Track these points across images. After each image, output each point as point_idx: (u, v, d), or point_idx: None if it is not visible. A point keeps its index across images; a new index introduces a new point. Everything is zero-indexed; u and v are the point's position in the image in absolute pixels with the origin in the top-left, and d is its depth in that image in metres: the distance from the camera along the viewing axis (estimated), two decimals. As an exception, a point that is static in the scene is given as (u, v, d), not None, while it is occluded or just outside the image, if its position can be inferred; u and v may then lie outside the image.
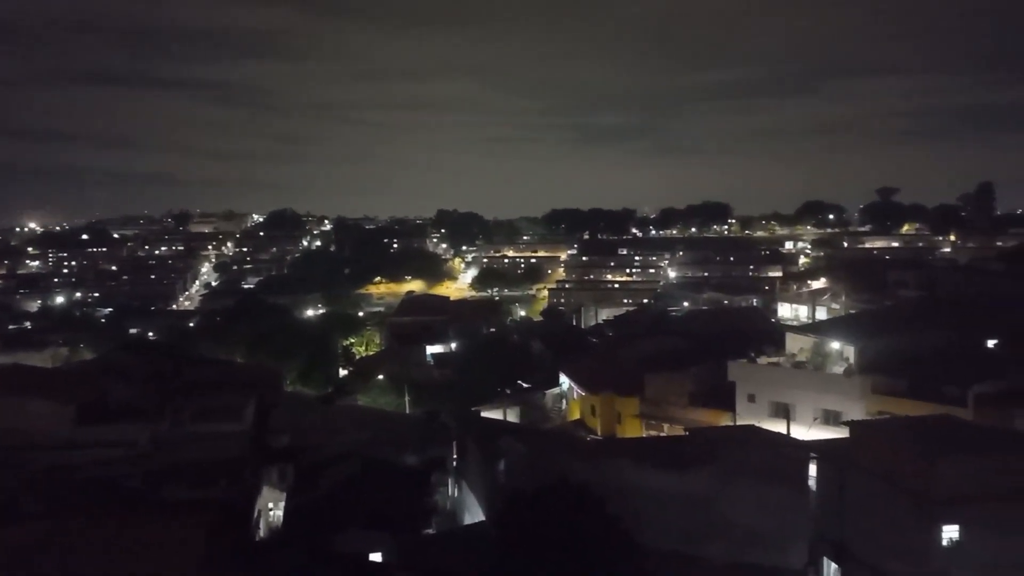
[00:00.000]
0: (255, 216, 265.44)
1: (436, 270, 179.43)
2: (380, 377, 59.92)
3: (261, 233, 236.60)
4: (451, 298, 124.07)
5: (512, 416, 52.40)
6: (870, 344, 44.57)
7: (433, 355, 69.02)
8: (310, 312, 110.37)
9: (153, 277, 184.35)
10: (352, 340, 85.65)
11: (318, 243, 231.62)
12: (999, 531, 20.98)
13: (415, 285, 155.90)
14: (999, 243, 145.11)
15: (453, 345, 71.60)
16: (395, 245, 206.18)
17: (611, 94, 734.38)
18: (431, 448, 38.87)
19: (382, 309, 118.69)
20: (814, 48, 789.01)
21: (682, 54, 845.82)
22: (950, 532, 21.09)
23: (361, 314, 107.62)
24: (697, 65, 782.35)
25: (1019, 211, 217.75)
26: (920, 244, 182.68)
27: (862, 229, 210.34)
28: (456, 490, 38.46)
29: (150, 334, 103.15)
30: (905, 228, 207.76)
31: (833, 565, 25.80)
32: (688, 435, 35.70)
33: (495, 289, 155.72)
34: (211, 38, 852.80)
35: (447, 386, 55.70)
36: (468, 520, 34.60)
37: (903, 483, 22.50)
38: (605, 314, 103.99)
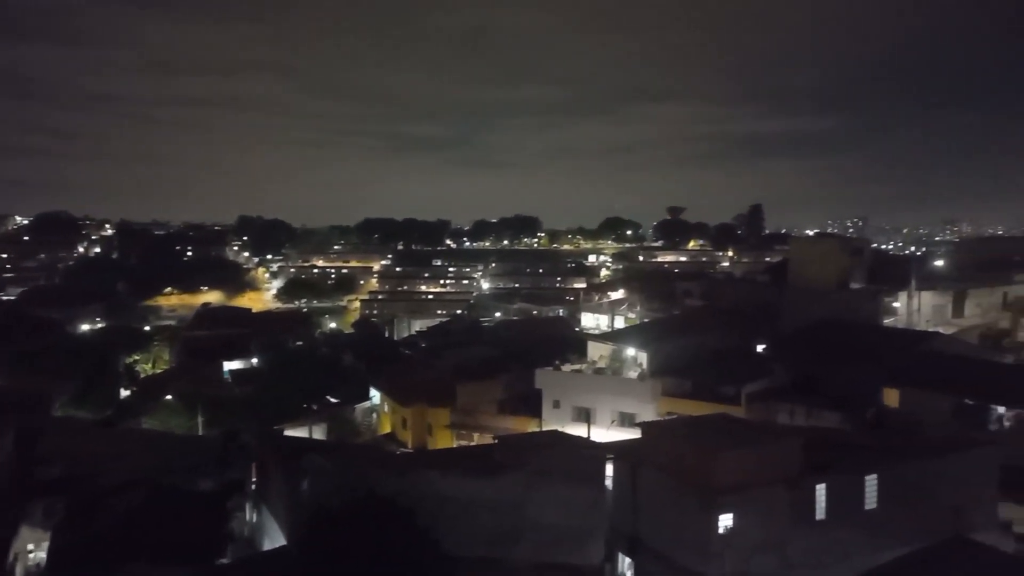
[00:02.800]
0: (19, 218, 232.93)
1: (237, 280, 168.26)
2: (169, 397, 54.92)
3: (26, 237, 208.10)
4: (254, 310, 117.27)
5: (319, 433, 50.40)
6: (660, 350, 48.40)
7: (232, 371, 64.62)
8: (87, 327, 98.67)
9: None
10: (137, 357, 77.87)
11: (98, 249, 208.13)
12: (763, 515, 23.53)
13: (212, 296, 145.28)
14: (767, 258, 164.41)
15: (255, 360, 67.58)
16: (190, 253, 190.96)
17: (426, 104, 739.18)
18: (228, 471, 36.25)
19: (174, 323, 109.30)
20: (613, 73, 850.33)
21: (494, 69, 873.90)
22: (725, 520, 23.26)
23: (148, 328, 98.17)
24: (508, 81, 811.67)
25: (783, 230, 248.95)
26: (704, 258, 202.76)
27: (655, 244, 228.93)
28: (255, 515, 36.12)
29: None
30: (691, 244, 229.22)
31: (627, 559, 27.44)
32: (497, 442, 36.37)
33: (303, 300, 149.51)
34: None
35: (247, 404, 52.26)
36: (268, 545, 32.60)
37: (686, 477, 24.50)
38: (419, 325, 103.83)
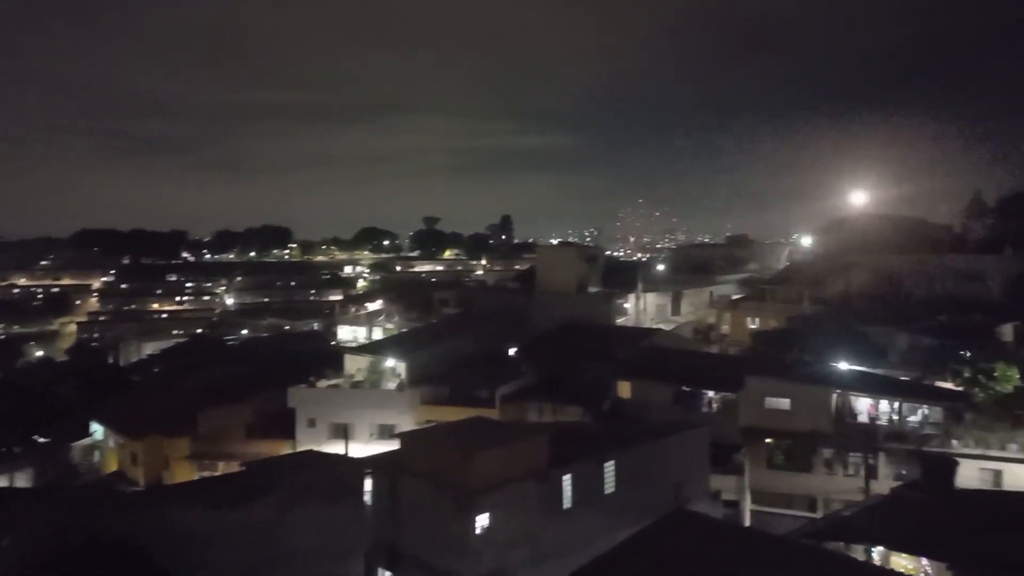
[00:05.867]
0: None
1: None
2: None
3: None
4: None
5: (23, 480, 43.07)
6: (419, 359, 48.73)
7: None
8: None
9: None
10: None
11: None
12: (516, 510, 24.60)
13: None
14: (517, 266, 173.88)
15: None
16: None
17: (159, 102, 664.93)
18: None
19: None
20: (372, 82, 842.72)
21: (242, 69, 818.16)
22: (482, 519, 23.92)
23: None
24: (259, 83, 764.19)
25: (530, 239, 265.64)
26: (459, 267, 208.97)
27: (412, 254, 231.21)
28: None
29: None
30: (447, 253, 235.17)
31: (387, 572, 27.06)
32: (245, 469, 33.88)
33: (1, 326, 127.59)
34: None
35: (-76, 453, 43.15)
36: (-44, 622, 26.97)
37: (445, 482, 24.81)
38: (152, 348, 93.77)
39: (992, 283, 64.16)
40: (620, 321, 68.75)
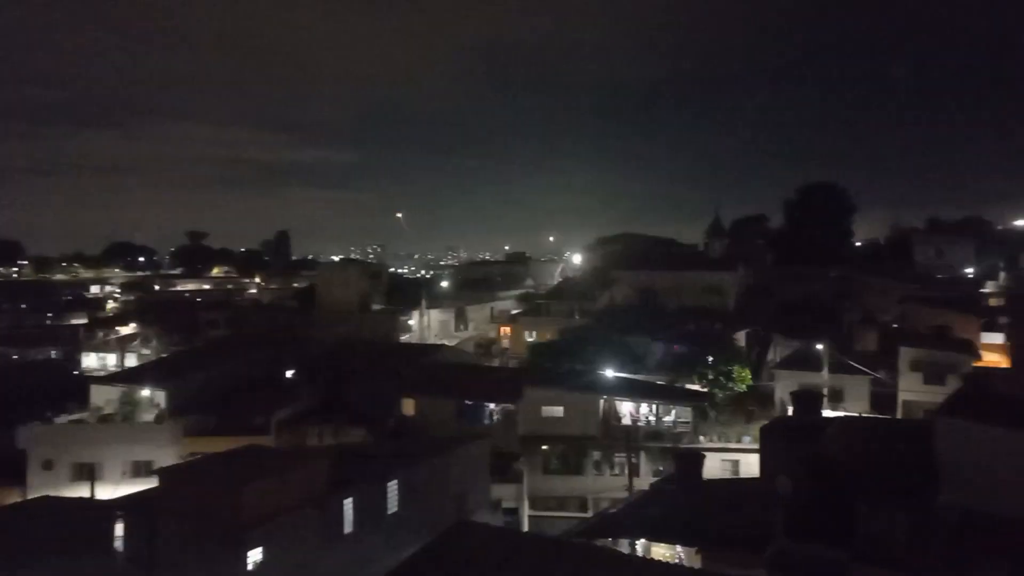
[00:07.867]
0: None
1: None
2: None
3: None
4: None
5: None
6: (181, 387, 44.71)
7: None
8: None
9: None
10: None
11: None
12: (293, 541, 23.24)
13: None
14: (296, 284, 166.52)
15: None
16: None
17: None
18: None
19: None
20: (121, 81, 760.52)
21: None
22: (255, 555, 22.22)
23: None
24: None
25: (309, 256, 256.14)
26: (230, 286, 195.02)
27: (174, 272, 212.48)
28: None
29: None
30: (215, 271, 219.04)
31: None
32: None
33: None
34: None
35: None
36: None
37: (211, 518, 22.71)
38: None
39: (728, 296, 73.49)
40: (405, 338, 68.65)
